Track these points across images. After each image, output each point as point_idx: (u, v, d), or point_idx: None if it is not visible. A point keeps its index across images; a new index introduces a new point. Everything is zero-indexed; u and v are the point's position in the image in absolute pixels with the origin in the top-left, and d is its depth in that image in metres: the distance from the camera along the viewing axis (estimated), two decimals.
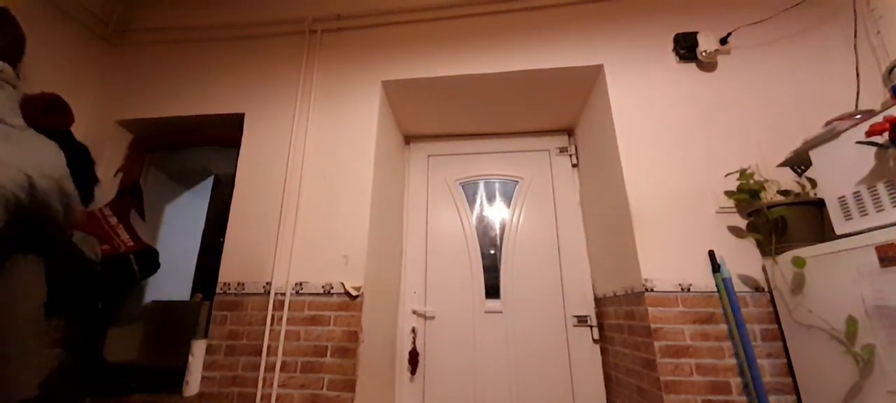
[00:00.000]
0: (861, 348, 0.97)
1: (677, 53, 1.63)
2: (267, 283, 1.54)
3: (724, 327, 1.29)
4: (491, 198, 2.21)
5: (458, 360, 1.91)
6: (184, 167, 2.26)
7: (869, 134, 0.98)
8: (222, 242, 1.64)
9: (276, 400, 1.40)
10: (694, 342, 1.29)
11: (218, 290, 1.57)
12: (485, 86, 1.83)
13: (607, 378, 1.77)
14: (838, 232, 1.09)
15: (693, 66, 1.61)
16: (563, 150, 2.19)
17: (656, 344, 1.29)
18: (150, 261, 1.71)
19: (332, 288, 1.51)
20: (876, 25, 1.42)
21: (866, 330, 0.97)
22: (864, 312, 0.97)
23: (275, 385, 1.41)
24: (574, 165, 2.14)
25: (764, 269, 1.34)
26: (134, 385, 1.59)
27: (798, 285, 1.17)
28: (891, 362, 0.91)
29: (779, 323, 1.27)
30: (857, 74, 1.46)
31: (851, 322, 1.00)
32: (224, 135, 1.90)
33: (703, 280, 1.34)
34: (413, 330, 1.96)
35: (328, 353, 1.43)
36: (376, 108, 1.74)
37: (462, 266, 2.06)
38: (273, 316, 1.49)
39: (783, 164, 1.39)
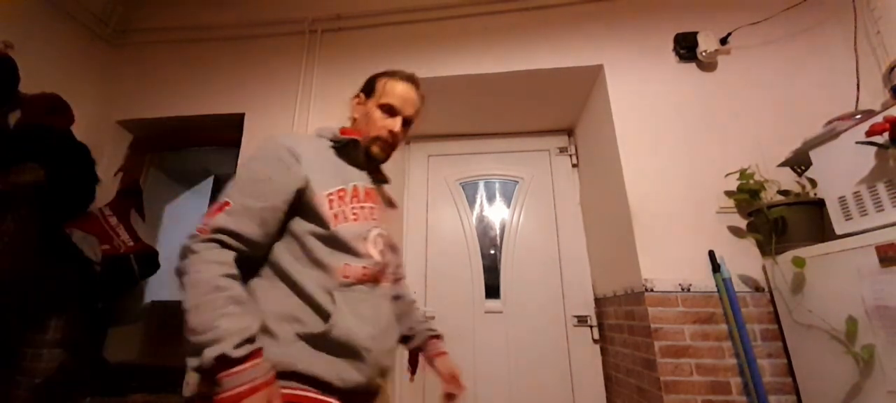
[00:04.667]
0: (861, 348, 0.97)
1: (677, 53, 1.63)
2: None
3: (724, 327, 1.29)
4: (491, 198, 2.21)
5: (457, 360, 1.85)
6: (184, 167, 2.26)
7: (869, 134, 0.98)
8: None
9: None
10: (694, 342, 1.28)
11: None
12: (485, 86, 1.83)
13: (607, 378, 1.77)
14: (838, 232, 1.08)
15: (693, 65, 1.61)
16: (563, 150, 2.19)
17: (656, 344, 1.29)
18: (150, 261, 1.71)
19: None
20: (876, 25, 1.42)
21: (866, 330, 0.97)
22: (864, 312, 0.97)
23: None
24: (574, 165, 2.14)
25: (764, 269, 1.34)
26: (134, 385, 1.60)
27: (798, 285, 1.17)
28: (891, 362, 0.91)
29: (779, 323, 1.27)
30: (857, 74, 1.46)
31: (851, 322, 1.00)
32: (224, 135, 1.90)
33: (704, 280, 1.34)
34: None
35: None
36: None
37: (462, 266, 2.06)
38: None
39: (783, 164, 1.39)
